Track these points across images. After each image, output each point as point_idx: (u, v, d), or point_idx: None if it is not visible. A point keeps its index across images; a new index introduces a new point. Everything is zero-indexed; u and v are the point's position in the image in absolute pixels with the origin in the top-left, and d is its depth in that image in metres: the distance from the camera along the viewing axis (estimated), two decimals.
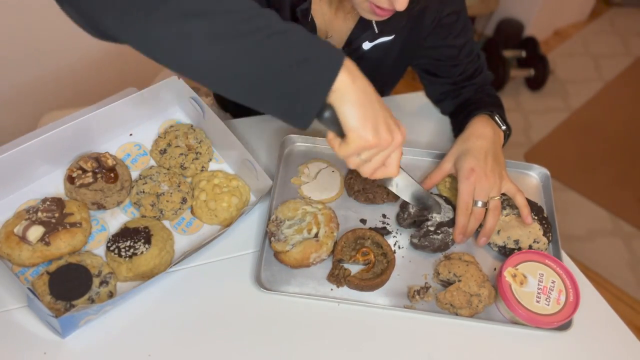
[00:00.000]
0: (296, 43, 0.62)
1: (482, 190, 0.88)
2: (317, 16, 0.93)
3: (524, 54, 2.74)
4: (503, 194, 0.92)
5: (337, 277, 0.83)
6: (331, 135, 0.68)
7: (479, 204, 0.88)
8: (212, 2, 0.59)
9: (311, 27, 0.91)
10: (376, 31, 0.94)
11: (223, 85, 0.63)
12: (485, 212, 0.88)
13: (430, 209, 0.89)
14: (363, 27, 0.94)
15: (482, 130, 0.95)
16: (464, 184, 0.88)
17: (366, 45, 0.97)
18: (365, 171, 0.71)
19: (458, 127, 1.03)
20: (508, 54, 2.69)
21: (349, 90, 0.63)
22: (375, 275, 0.83)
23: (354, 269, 0.85)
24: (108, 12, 0.60)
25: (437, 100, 1.14)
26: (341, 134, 0.67)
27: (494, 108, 1.01)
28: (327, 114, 0.65)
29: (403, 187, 0.85)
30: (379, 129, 0.66)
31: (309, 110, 0.63)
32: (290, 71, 0.61)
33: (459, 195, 0.89)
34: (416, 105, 1.17)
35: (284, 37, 0.61)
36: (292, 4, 0.88)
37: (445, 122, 1.14)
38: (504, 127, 0.99)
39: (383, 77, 1.10)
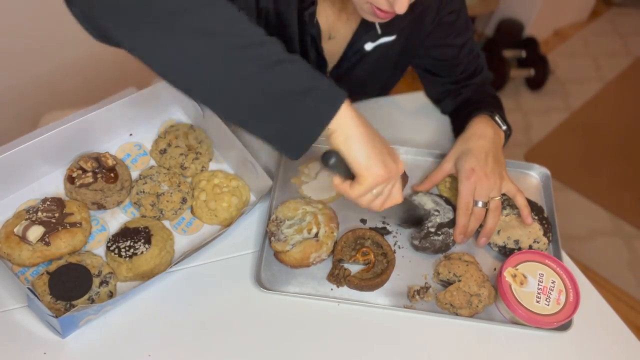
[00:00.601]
0: (300, 73, 0.62)
1: (483, 191, 0.88)
2: (321, 18, 0.93)
3: (524, 54, 2.74)
4: (503, 194, 0.92)
5: (337, 277, 0.83)
6: (338, 180, 0.70)
7: (480, 204, 0.88)
8: (223, 22, 0.59)
9: (316, 29, 0.92)
10: (379, 32, 0.94)
11: (221, 104, 0.63)
12: (486, 213, 0.88)
13: (419, 221, 0.89)
14: (366, 28, 0.94)
15: (482, 131, 0.95)
16: (464, 184, 0.89)
17: (368, 46, 0.97)
18: (377, 205, 0.72)
19: (458, 127, 1.03)
20: (508, 54, 2.69)
21: (354, 129, 0.64)
22: (375, 275, 0.83)
23: (354, 269, 0.85)
24: (119, 23, 0.60)
25: (437, 99, 1.14)
26: (348, 175, 0.68)
27: (494, 108, 1.01)
28: (332, 159, 0.65)
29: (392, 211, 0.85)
30: (386, 161, 0.68)
31: (306, 140, 0.63)
32: (292, 99, 0.61)
33: (459, 195, 0.89)
34: (416, 105, 1.17)
35: (289, 66, 0.61)
36: (300, 9, 0.88)
37: (445, 122, 1.14)
38: (504, 127, 0.99)
39: (384, 77, 1.10)
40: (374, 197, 0.71)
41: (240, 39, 0.59)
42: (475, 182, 0.88)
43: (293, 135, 0.63)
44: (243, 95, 0.61)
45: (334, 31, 0.96)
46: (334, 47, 0.98)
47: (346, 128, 0.64)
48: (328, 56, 0.98)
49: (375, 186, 0.69)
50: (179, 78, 0.62)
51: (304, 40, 0.94)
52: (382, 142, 0.69)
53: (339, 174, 0.68)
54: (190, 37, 0.59)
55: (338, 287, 0.83)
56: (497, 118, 0.99)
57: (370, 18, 0.81)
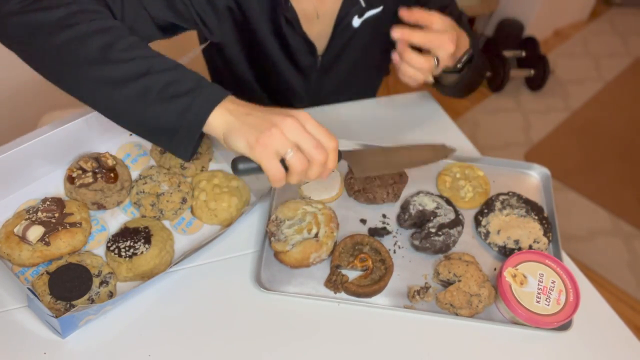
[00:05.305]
0: (168, 108, 0.67)
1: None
2: (304, 0, 0.93)
3: (524, 54, 2.74)
4: (504, 195, 0.92)
5: (335, 283, 0.83)
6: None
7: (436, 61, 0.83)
8: (111, 52, 0.67)
9: (291, 13, 0.92)
10: (363, 5, 0.94)
11: (110, 117, 0.72)
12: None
13: (423, 222, 0.89)
14: (350, 3, 0.95)
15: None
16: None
17: (356, 22, 0.97)
18: (316, 158, 0.67)
19: None
20: (508, 54, 2.69)
21: (225, 126, 0.66)
22: (373, 282, 0.83)
23: (352, 275, 0.85)
24: (21, 53, 0.73)
25: None
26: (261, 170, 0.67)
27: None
28: (241, 166, 0.67)
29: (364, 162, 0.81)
30: (262, 127, 0.65)
31: (187, 145, 0.69)
32: (163, 134, 0.68)
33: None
34: (416, 105, 1.17)
35: (154, 95, 0.67)
36: None
37: (445, 122, 1.14)
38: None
39: (377, 55, 1.10)
40: (299, 156, 0.65)
41: (114, 66, 0.67)
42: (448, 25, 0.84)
43: (176, 143, 0.69)
44: (123, 119, 0.70)
45: (320, 9, 0.95)
46: (321, 27, 0.98)
47: (220, 130, 0.67)
48: (317, 39, 0.98)
49: (271, 150, 0.64)
50: (85, 101, 0.73)
51: (281, 33, 0.95)
52: (255, 116, 0.66)
53: (258, 172, 0.68)
54: (84, 67, 0.68)
55: (335, 293, 0.83)
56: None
57: None
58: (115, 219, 0.88)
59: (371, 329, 0.80)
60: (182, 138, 0.68)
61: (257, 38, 0.95)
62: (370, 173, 0.79)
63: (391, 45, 1.10)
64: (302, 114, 0.67)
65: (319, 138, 0.67)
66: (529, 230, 0.89)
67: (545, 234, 0.90)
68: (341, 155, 0.75)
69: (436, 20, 0.82)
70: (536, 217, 0.91)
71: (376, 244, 0.86)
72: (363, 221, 0.92)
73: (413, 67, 0.84)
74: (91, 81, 0.68)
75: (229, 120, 0.66)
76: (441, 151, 0.85)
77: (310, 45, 0.98)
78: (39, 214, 0.80)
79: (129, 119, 0.70)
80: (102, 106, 0.71)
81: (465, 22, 1.06)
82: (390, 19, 1.01)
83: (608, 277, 1.97)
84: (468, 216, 0.95)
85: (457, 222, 0.89)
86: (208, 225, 0.89)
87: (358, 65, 1.10)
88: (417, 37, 0.81)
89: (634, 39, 3.09)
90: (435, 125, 1.13)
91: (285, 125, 0.65)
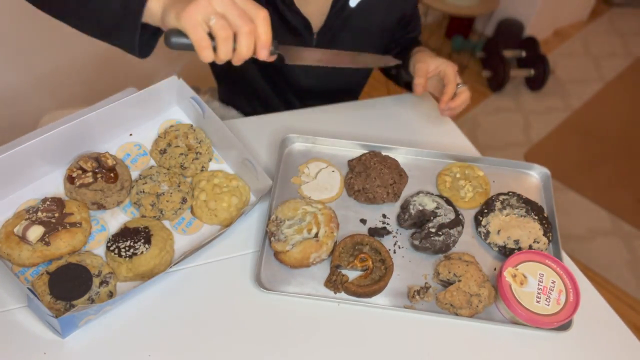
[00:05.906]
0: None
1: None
2: None
3: (524, 54, 2.74)
4: (504, 195, 0.92)
5: (335, 283, 0.83)
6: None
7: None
8: None
9: None
10: None
11: (76, 25, 0.79)
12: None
13: (423, 222, 0.89)
14: None
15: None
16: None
17: (352, 2, 0.99)
18: (241, 28, 0.68)
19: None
20: (508, 54, 2.69)
21: (160, 9, 0.71)
22: (373, 282, 0.83)
23: (352, 275, 0.85)
24: None
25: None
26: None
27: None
28: (173, 39, 0.70)
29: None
30: (190, 0, 0.68)
31: (133, 35, 0.73)
32: (114, 26, 0.74)
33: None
34: (416, 105, 1.17)
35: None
36: None
37: (446, 122, 1.14)
38: None
39: (372, 39, 1.11)
40: (221, 23, 0.67)
41: None
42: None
43: (122, 34, 0.75)
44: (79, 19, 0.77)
45: None
46: (316, 7, 0.98)
47: (159, 14, 0.71)
48: (313, 17, 0.99)
49: (196, 18, 0.66)
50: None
51: (275, 5, 0.96)
52: None
53: (191, 47, 0.70)
54: None
55: (335, 293, 0.83)
56: None
57: None
58: (115, 219, 0.88)
59: (371, 329, 0.80)
60: (128, 28, 0.73)
61: None
62: (301, 62, 0.82)
63: (385, 33, 1.12)
64: None
65: (245, 8, 0.68)
66: (529, 230, 0.89)
67: (545, 234, 0.90)
68: (277, 45, 0.77)
69: (430, 65, 1.03)
70: (536, 217, 0.91)
71: (376, 244, 0.86)
72: (363, 221, 0.92)
73: (461, 106, 1.03)
74: None
75: (165, 2, 0.71)
76: (382, 59, 0.93)
77: (304, 21, 0.98)
78: (39, 214, 0.80)
79: (86, 21, 0.76)
80: (66, 16, 0.78)
81: (418, 12, 1.21)
82: (384, 5, 1.04)
83: (608, 277, 1.97)
84: (468, 216, 0.95)
85: (457, 222, 0.89)
86: (208, 225, 0.89)
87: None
88: (451, 91, 1.02)
89: (634, 39, 3.09)
90: (435, 125, 1.13)
91: None
